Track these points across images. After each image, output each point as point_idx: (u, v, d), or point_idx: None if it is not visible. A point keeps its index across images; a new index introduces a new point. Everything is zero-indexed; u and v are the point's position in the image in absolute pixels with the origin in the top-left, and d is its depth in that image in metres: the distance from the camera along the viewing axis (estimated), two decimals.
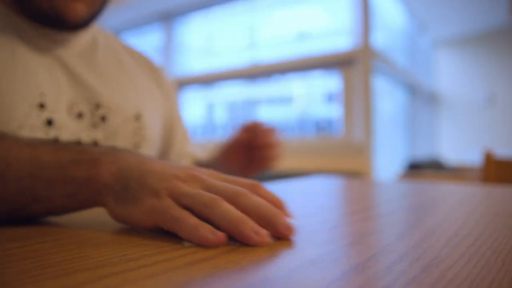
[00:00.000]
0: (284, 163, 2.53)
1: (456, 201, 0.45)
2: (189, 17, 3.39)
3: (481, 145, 3.84)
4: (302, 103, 2.76)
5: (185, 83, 3.18)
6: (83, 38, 0.55)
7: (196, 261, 0.21)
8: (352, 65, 2.41)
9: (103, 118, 0.52)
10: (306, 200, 0.45)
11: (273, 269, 0.20)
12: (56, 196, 0.30)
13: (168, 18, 3.46)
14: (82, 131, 0.50)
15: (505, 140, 3.71)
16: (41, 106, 0.46)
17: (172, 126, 0.68)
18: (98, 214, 0.36)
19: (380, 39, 2.66)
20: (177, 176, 0.28)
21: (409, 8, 3.36)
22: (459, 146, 3.99)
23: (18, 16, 0.49)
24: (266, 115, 2.91)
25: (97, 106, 0.52)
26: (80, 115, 0.50)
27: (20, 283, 0.17)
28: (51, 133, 0.47)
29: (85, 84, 0.52)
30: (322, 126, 2.65)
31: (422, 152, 3.77)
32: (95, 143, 0.51)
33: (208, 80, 3.09)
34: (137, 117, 0.56)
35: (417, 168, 2.68)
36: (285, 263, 0.21)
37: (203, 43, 3.36)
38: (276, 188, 0.59)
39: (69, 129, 0.49)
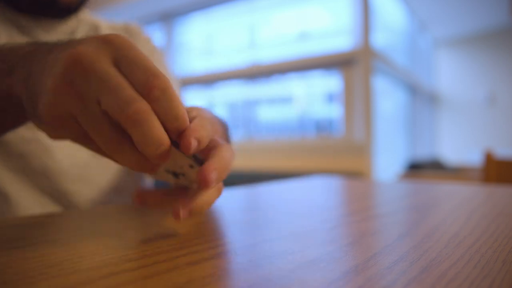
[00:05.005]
0: (285, 163, 2.53)
1: (457, 201, 0.45)
2: (189, 17, 3.39)
3: (481, 145, 3.83)
4: (302, 103, 2.76)
5: (185, 83, 3.18)
6: (67, 25, 0.55)
7: (196, 261, 0.21)
8: (352, 65, 2.41)
9: None
10: (306, 200, 0.45)
11: (273, 269, 0.20)
12: None
13: (168, 18, 3.46)
14: None
15: (506, 140, 3.71)
16: None
17: None
18: (98, 214, 0.36)
19: (380, 39, 2.66)
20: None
21: (410, 8, 3.36)
22: (459, 146, 3.99)
23: (11, 10, 0.50)
24: (266, 115, 2.91)
25: None
26: None
27: (20, 283, 0.17)
28: None
29: None
30: (322, 126, 2.65)
31: (423, 152, 3.77)
32: None
33: (208, 80, 3.09)
34: None
35: (417, 168, 2.68)
36: (285, 263, 0.21)
37: (203, 43, 3.36)
38: (276, 188, 0.59)
39: None
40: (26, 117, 0.30)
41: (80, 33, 0.57)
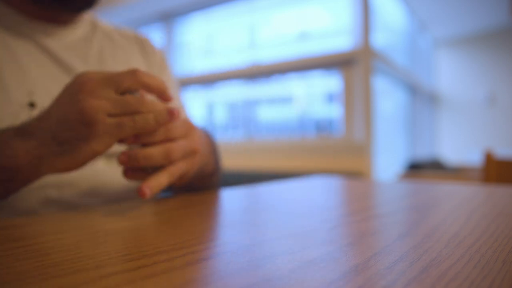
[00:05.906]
0: (285, 163, 2.53)
1: (457, 201, 0.45)
2: (189, 17, 3.39)
3: (481, 145, 3.83)
4: (302, 103, 2.76)
5: (185, 83, 3.18)
6: (76, 30, 0.55)
7: (196, 261, 0.21)
8: (352, 65, 2.41)
9: None
10: (306, 200, 0.45)
11: (273, 269, 0.20)
12: None
13: (168, 18, 3.46)
14: None
15: (506, 140, 3.71)
16: (31, 105, 0.46)
17: None
18: (98, 214, 0.36)
19: (380, 39, 2.66)
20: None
21: (410, 8, 3.36)
22: (459, 146, 3.99)
23: (9, 8, 0.49)
24: (266, 115, 2.91)
25: None
26: None
27: (20, 283, 0.17)
28: None
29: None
30: (322, 126, 2.65)
31: (423, 152, 3.77)
32: None
33: (208, 80, 3.09)
34: None
35: (417, 168, 2.68)
36: (285, 263, 0.21)
37: (203, 43, 3.36)
38: (276, 188, 0.59)
39: None
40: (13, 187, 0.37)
41: (95, 43, 0.57)
